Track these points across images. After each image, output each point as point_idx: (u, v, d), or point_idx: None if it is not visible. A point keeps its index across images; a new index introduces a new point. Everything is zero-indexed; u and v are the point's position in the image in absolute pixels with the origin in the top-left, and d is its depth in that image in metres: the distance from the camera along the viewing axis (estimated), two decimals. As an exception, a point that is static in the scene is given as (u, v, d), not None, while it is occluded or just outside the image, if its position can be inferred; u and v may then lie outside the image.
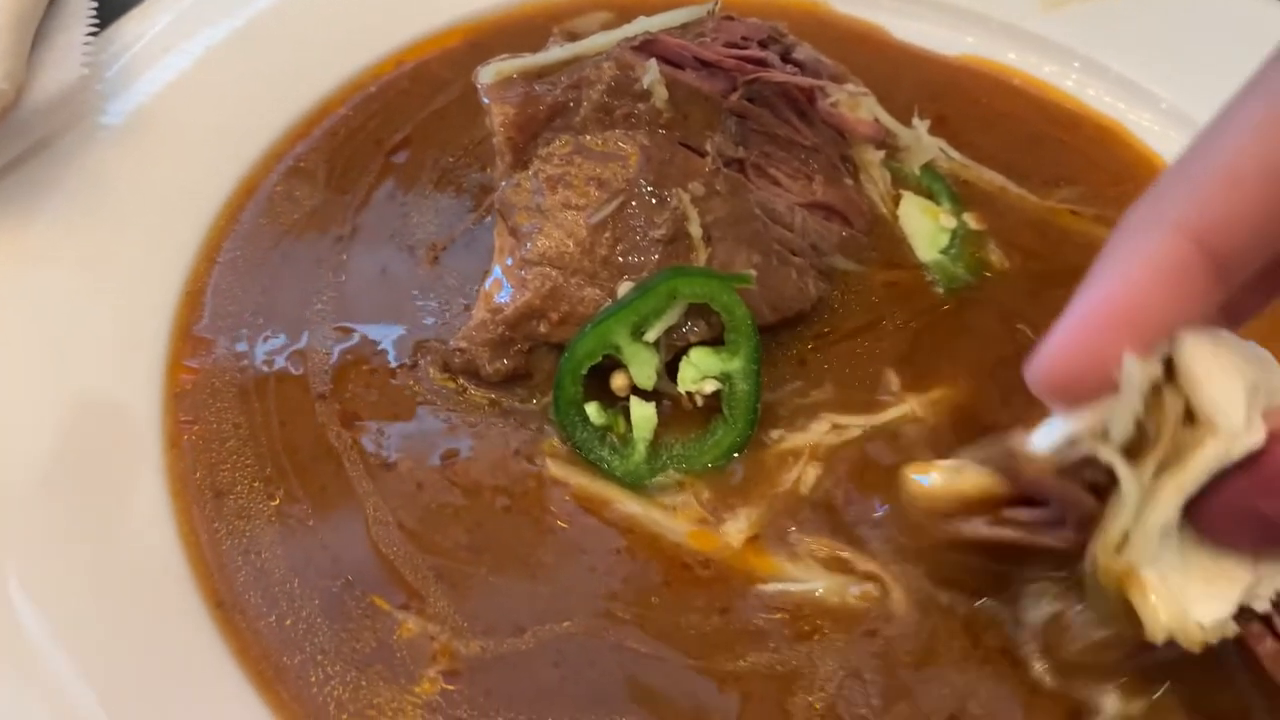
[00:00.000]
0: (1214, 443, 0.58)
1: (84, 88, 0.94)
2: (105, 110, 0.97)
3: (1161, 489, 0.60)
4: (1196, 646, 0.62)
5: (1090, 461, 0.60)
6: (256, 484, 0.80)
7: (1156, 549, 0.61)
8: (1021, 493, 0.66)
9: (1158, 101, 1.11)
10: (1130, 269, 0.57)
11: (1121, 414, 0.58)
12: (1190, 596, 0.61)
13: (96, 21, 0.99)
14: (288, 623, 0.73)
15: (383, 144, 1.03)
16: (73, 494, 0.77)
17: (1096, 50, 1.14)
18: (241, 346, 0.88)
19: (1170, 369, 0.59)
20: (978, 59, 1.17)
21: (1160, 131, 1.09)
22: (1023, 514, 0.66)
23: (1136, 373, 0.57)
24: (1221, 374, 0.59)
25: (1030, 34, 1.16)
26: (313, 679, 0.71)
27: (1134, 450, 0.60)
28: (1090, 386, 0.58)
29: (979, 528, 0.68)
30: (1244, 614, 0.63)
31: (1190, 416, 0.59)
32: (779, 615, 0.76)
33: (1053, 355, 0.59)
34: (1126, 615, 0.62)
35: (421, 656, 0.72)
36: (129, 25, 1.03)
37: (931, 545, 0.78)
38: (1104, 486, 0.61)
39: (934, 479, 0.68)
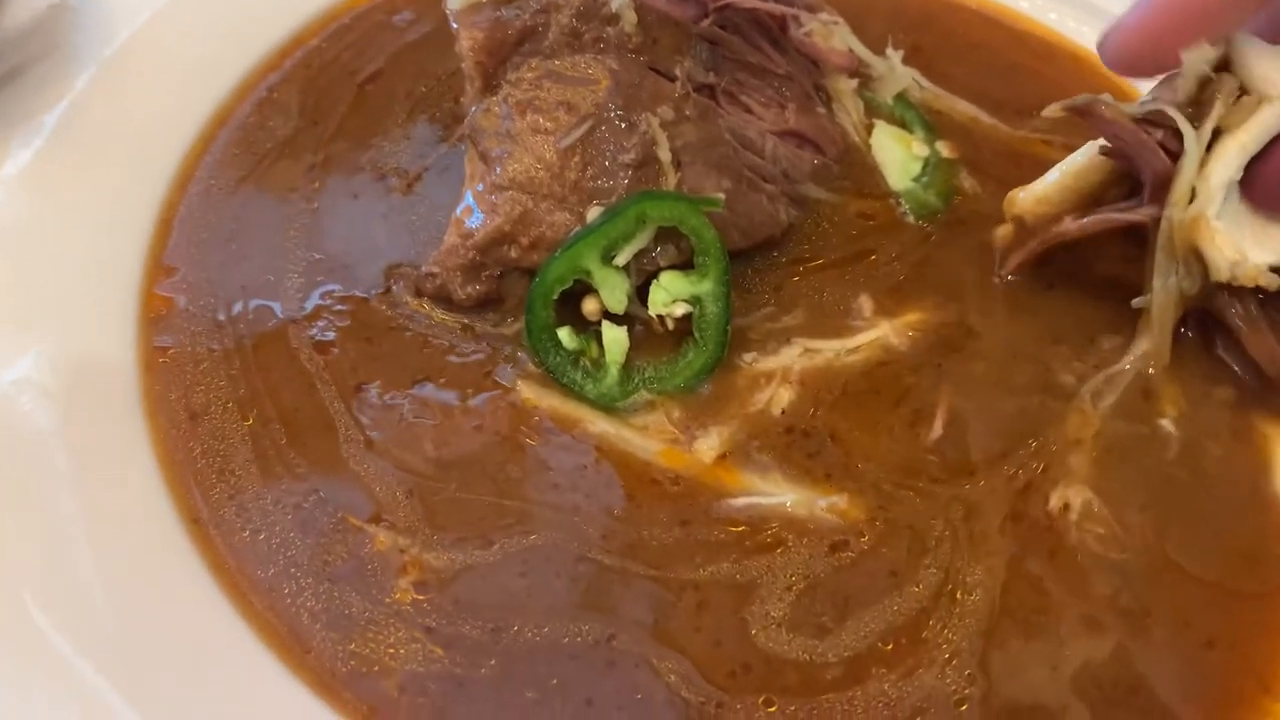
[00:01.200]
0: (1269, 108, 0.76)
1: (56, 16, 0.94)
2: (78, 40, 0.97)
3: (1222, 147, 0.77)
4: (1252, 282, 0.78)
5: (1163, 125, 0.79)
6: (230, 405, 0.81)
7: (1219, 203, 0.77)
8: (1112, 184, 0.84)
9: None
10: None
11: (1185, 80, 0.77)
12: (1251, 246, 0.78)
13: (69, -50, 0.99)
14: (261, 537, 0.75)
15: (356, 75, 1.03)
16: (52, 416, 0.78)
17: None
18: (215, 274, 0.88)
19: (1225, 64, 0.77)
20: (955, -11, 1.17)
21: (1134, 62, 1.09)
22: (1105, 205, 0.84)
23: (1198, 50, 0.75)
24: (1272, 58, 0.76)
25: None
26: (286, 591, 0.73)
27: (1195, 120, 0.78)
28: (1156, 61, 0.76)
29: (1069, 226, 0.85)
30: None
31: (1243, 94, 0.77)
32: (741, 528, 0.77)
33: (1126, 33, 0.76)
34: (1193, 267, 0.81)
35: (392, 568, 0.74)
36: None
37: (1020, 267, 0.90)
38: (1175, 153, 0.78)
39: (1042, 182, 0.87)
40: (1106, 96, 0.82)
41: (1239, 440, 0.85)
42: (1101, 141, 0.84)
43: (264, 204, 0.93)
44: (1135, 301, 0.85)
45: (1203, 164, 0.79)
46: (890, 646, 0.74)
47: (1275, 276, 0.79)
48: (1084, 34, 1.13)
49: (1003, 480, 0.82)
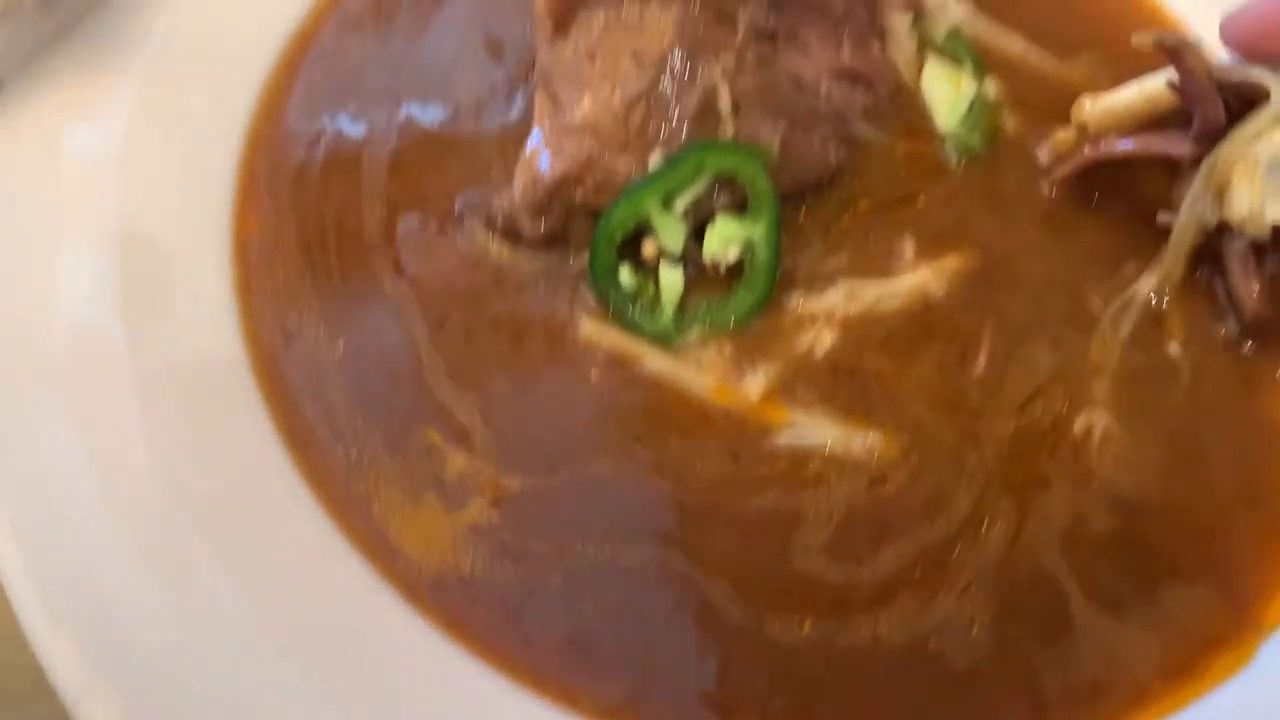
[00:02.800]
0: None
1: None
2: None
3: None
4: (1259, 231, 0.87)
5: (1236, 89, 0.88)
6: (321, 329, 0.88)
7: (1272, 159, 0.86)
8: (1166, 116, 0.92)
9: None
10: None
11: None
12: (1271, 200, 0.86)
13: None
14: (353, 454, 0.83)
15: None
16: (152, 340, 0.85)
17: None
18: (302, 189, 0.94)
19: None
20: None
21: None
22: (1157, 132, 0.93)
23: None
24: None
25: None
26: (375, 507, 0.82)
27: None
28: (1272, 51, 0.87)
29: (1116, 145, 0.94)
30: None
31: None
32: (786, 463, 0.85)
33: (1248, 17, 0.88)
34: (1218, 201, 0.89)
35: (469, 488, 0.82)
36: None
37: (1068, 177, 0.97)
38: (1236, 112, 0.88)
39: (1113, 94, 0.95)
40: (1194, 41, 0.91)
41: (1237, 374, 0.93)
42: (1172, 76, 0.91)
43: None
44: (1160, 217, 0.92)
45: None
46: (918, 573, 0.82)
47: (1265, 227, 0.87)
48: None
49: (1036, 413, 0.89)
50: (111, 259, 0.86)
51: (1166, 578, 0.83)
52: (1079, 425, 0.88)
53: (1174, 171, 0.93)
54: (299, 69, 1.00)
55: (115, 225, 0.88)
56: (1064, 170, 0.98)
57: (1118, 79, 1.02)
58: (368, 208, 0.94)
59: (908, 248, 0.94)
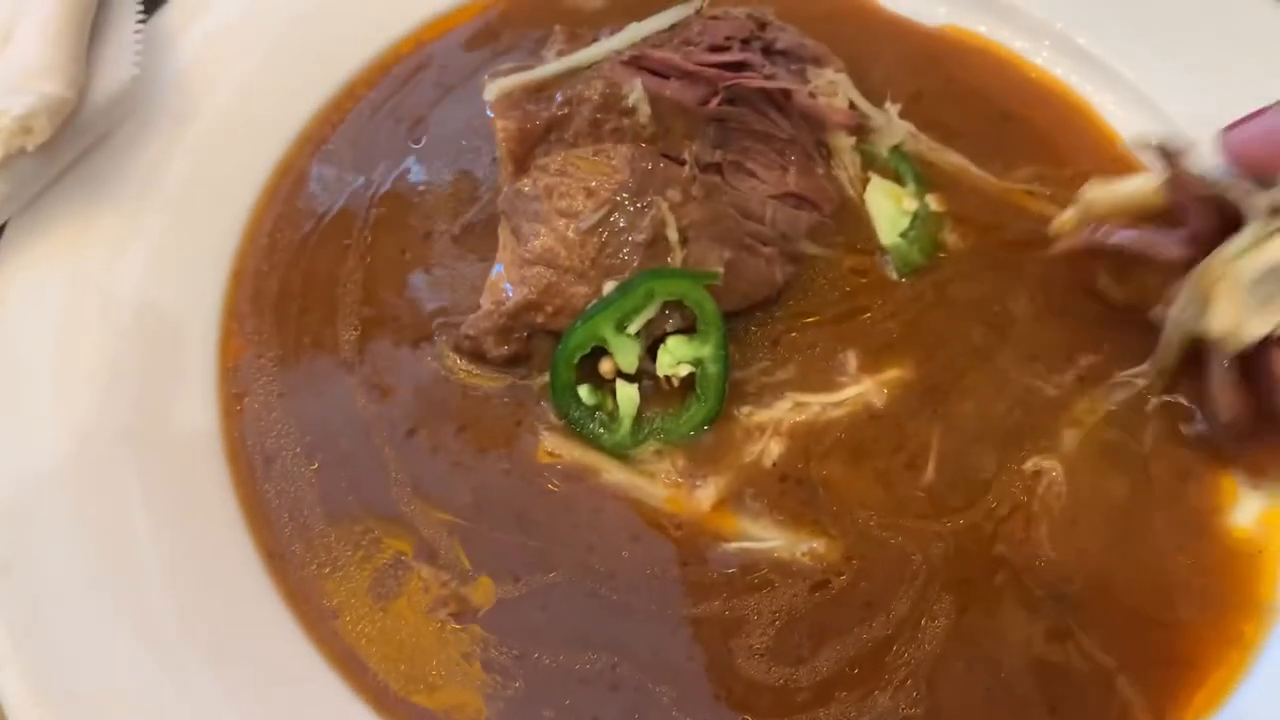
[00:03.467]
0: None
1: (136, 86, 1.05)
2: (154, 104, 1.08)
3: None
4: (1237, 347, 0.91)
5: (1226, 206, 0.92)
6: (298, 450, 0.94)
7: (1254, 278, 0.90)
8: (1166, 212, 0.96)
9: (1124, 83, 1.17)
10: None
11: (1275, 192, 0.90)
12: (1250, 318, 0.90)
13: (143, 14, 1.10)
14: (326, 571, 0.89)
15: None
16: (147, 459, 0.92)
17: (1070, 27, 1.21)
18: (279, 324, 1.02)
19: None
20: (957, 29, 1.24)
21: (1123, 116, 1.17)
22: (1153, 229, 0.97)
23: None
24: None
25: (1007, 6, 1.23)
26: (347, 618, 0.87)
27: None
28: (1270, 168, 0.90)
29: (1115, 235, 0.98)
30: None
31: None
32: (733, 570, 0.90)
33: (1249, 136, 0.93)
34: (1198, 312, 0.92)
35: (434, 600, 0.88)
36: (168, 18, 1.14)
37: (1066, 253, 1.02)
38: (1231, 219, 0.91)
39: (1121, 181, 1.00)
40: (1192, 149, 0.95)
41: (1200, 477, 0.97)
42: (1167, 175, 0.96)
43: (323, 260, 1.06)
44: (1153, 312, 0.97)
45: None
46: (856, 671, 0.87)
47: (1243, 343, 0.91)
48: (1073, 82, 1.20)
49: (987, 506, 0.94)
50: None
51: (1090, 677, 0.88)
52: (1030, 465, 0.95)
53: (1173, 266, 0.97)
54: (277, 195, 1.08)
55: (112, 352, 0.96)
56: (1063, 246, 1.03)
57: (1057, 194, 1.10)
58: (343, 326, 1.01)
59: (851, 361, 1.00)
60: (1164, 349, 0.97)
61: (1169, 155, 0.95)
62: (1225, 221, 0.93)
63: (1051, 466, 0.95)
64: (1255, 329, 0.91)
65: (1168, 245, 0.96)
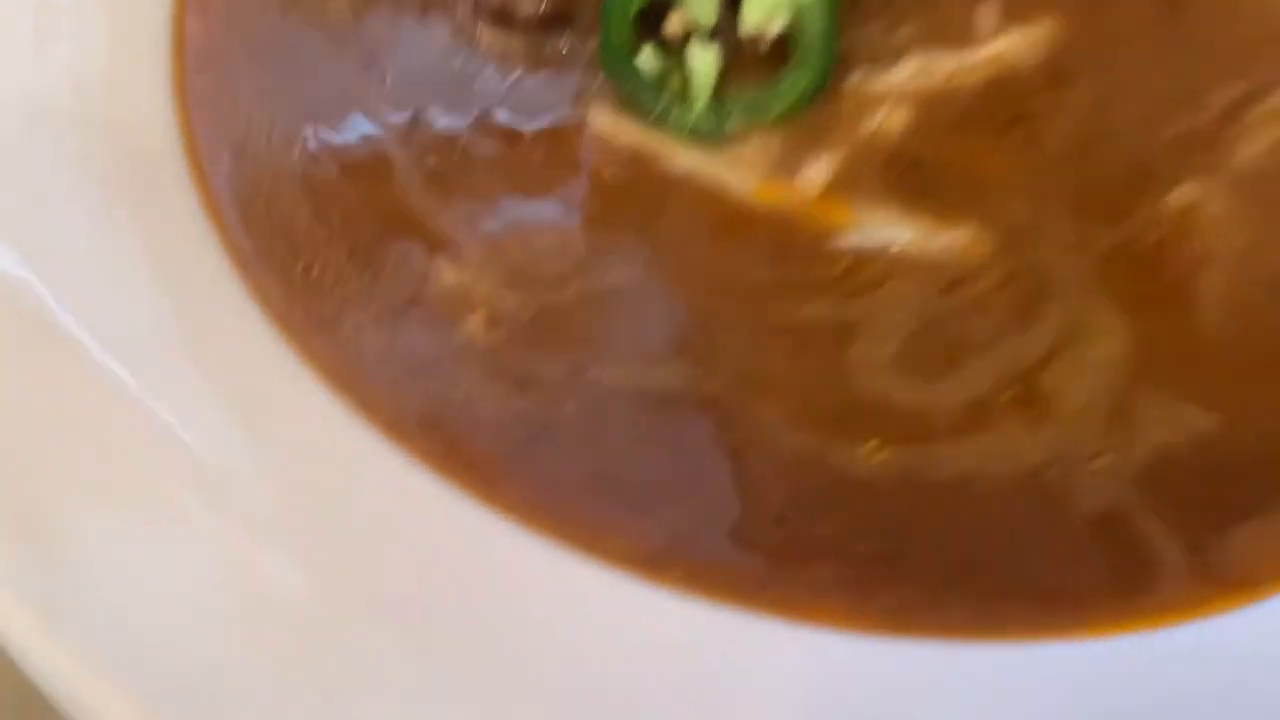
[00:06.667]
0: None
1: None
2: None
3: None
4: None
5: None
6: (275, 131, 0.73)
7: None
8: None
9: None
10: None
11: None
12: None
13: None
14: (314, 274, 0.68)
15: None
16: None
17: None
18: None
19: None
20: None
21: None
22: None
23: None
24: None
25: None
26: (345, 331, 0.67)
27: None
28: None
29: None
30: None
31: None
32: (845, 266, 0.69)
33: None
34: None
35: (459, 306, 0.67)
36: None
37: None
38: None
39: None
40: None
41: None
42: None
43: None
44: None
45: None
46: (1010, 394, 0.65)
47: None
48: None
49: (1147, 212, 0.71)
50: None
51: None
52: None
53: None
54: None
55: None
56: None
57: None
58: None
59: (990, 11, 0.77)
60: None
61: None
62: None
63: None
64: None
65: None
